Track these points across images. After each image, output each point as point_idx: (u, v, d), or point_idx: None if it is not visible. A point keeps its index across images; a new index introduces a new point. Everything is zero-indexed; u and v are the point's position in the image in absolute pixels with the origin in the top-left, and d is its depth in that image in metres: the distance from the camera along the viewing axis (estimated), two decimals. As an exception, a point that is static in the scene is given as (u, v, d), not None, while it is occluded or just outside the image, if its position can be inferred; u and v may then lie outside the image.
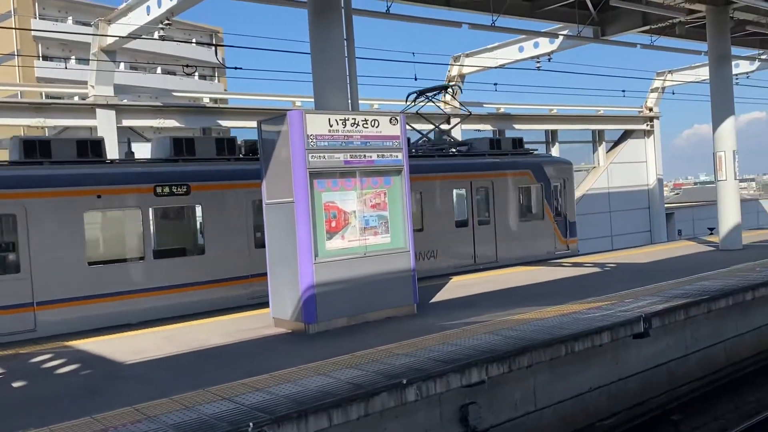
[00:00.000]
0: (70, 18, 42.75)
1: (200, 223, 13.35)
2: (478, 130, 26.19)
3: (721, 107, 16.74)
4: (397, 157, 10.37)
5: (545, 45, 21.56)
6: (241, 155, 13.88)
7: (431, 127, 19.03)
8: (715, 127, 16.77)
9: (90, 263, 11.63)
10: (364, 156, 10.01)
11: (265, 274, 10.44)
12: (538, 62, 21.63)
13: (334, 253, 9.66)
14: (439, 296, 12.14)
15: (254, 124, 10.74)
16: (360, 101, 12.25)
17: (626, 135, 31.52)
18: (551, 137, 28.95)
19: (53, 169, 11.71)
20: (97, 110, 18.26)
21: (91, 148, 12.29)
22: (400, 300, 10.43)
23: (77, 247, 11.47)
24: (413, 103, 18.11)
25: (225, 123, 20.92)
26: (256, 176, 11.03)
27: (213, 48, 23.25)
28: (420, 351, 7.66)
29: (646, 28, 18.76)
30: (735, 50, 21.08)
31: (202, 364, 8.02)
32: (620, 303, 9.94)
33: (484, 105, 26.90)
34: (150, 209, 12.36)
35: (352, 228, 9.90)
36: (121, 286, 11.85)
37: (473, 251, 16.49)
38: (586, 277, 13.56)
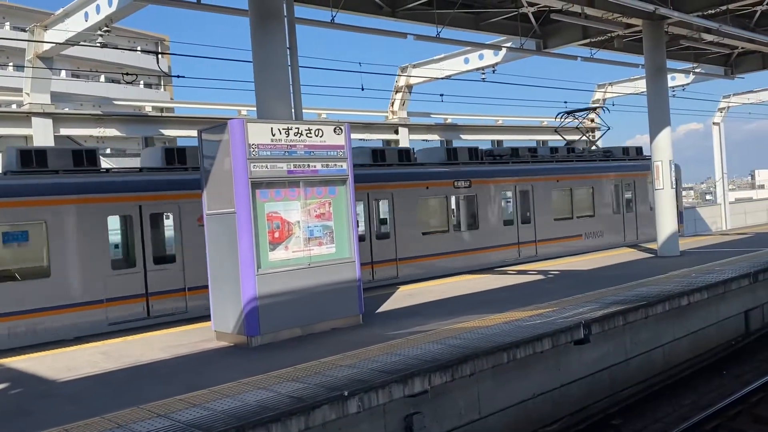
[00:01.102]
0: (8, 23, 41.37)
1: (477, 206, 18.87)
2: (426, 140, 26.42)
3: (658, 118, 17.29)
4: (341, 166, 10.32)
5: (490, 57, 21.90)
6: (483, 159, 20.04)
7: (569, 138, 25.55)
8: (652, 138, 17.30)
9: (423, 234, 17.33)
10: (308, 166, 9.93)
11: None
12: (483, 74, 21.94)
13: (277, 264, 9.53)
14: (386, 306, 12.11)
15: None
16: (307, 110, 12.18)
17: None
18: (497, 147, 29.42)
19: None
20: (33, 118, 17.63)
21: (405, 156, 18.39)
22: (345, 311, 10.36)
23: (414, 220, 17.27)
24: (562, 120, 23.98)
25: (168, 132, 20.50)
26: (512, 174, 19.82)
27: (156, 56, 22.88)
28: (363, 362, 7.60)
29: (586, 41, 19.29)
30: (671, 63, 21.89)
31: (139, 380, 7.77)
32: (561, 310, 10.09)
33: (432, 115, 27.16)
34: (452, 197, 18.30)
35: (296, 238, 9.78)
36: (437, 249, 17.56)
37: (631, 230, 23.22)
38: (529, 285, 13.75)
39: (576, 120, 23.47)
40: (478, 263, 18.16)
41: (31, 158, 12.60)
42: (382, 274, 16.35)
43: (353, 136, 12.86)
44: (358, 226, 12.32)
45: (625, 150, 24.74)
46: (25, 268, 12.32)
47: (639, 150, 24.93)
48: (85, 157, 13.24)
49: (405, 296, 13.16)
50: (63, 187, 12.55)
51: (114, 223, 13.27)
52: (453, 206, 18.69)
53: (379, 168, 17.39)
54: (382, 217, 17.08)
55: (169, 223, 13.93)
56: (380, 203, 16.94)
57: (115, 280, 12.83)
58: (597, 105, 27.06)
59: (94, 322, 12.41)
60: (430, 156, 19.42)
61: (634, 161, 23.96)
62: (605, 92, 31.36)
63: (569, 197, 21.35)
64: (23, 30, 21.21)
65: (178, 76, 16.37)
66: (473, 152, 19.89)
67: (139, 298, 13.04)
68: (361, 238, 15.45)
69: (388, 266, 16.57)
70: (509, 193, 19.84)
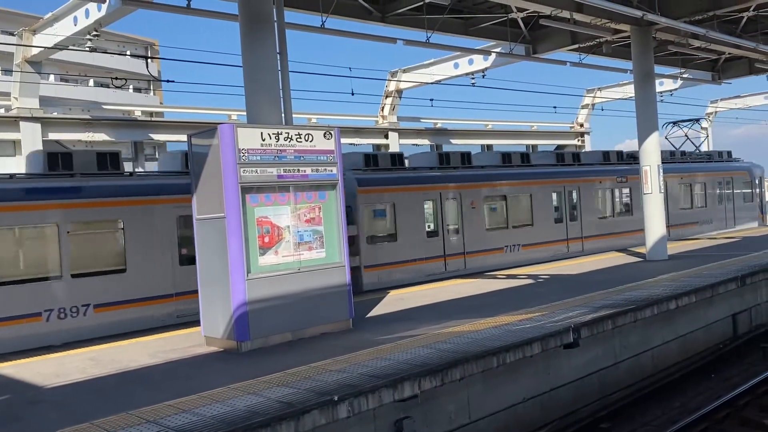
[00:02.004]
0: (-4, 27, 41.07)
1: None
2: (416, 144, 26.48)
3: (646, 123, 17.40)
4: (331, 171, 10.33)
5: (479, 62, 21.99)
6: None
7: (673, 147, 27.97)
8: (640, 143, 17.41)
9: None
10: (298, 170, 9.94)
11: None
12: (473, 78, 22.04)
13: (267, 268, 9.52)
14: (376, 311, 12.11)
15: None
16: (297, 115, 12.20)
17: (559, 149, 32.40)
18: (487, 151, 29.50)
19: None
20: (21, 123, 17.55)
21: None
22: (335, 315, 10.35)
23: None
24: (668, 129, 27.75)
25: (157, 136, 20.45)
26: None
27: (146, 60, 22.83)
28: (353, 367, 7.60)
29: (575, 46, 19.42)
30: (659, 69, 22.06)
31: (128, 386, 7.74)
32: (551, 314, 10.13)
33: (422, 120, 27.23)
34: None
35: (285, 243, 9.78)
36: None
37: (730, 219, 27.55)
38: (519, 289, 13.80)
39: (679, 128, 27.56)
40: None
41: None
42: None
43: (343, 140, 12.87)
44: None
45: (720, 153, 29.72)
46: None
47: (729, 153, 29.81)
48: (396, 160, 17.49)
49: (395, 300, 13.17)
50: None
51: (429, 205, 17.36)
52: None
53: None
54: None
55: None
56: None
57: (428, 243, 17.11)
58: (698, 117, 29.92)
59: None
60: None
61: (729, 162, 29.14)
62: (594, 97, 31.58)
63: (690, 191, 26.26)
64: (11, 34, 21.12)
65: (168, 81, 16.36)
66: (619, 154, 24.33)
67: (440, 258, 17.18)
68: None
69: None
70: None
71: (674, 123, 27.41)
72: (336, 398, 6.42)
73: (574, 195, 21.28)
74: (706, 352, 12.36)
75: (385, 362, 7.71)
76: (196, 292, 10.24)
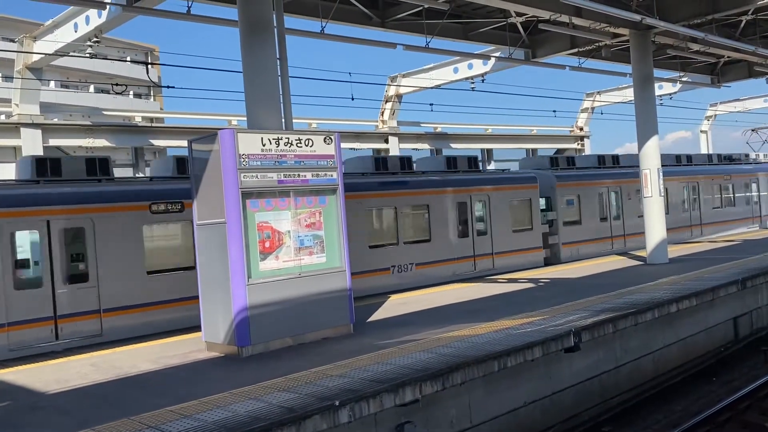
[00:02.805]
0: (-4, 34, 41.16)
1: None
2: (416, 149, 26.50)
3: (646, 127, 17.42)
4: (332, 176, 10.34)
5: (479, 66, 22.03)
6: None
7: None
8: (640, 146, 17.43)
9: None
10: (298, 175, 9.95)
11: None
12: (473, 83, 22.07)
13: (267, 274, 9.53)
14: (376, 315, 12.11)
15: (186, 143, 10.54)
16: (297, 120, 12.21)
17: (559, 153, 32.41)
18: (487, 156, 29.56)
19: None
20: (22, 129, 17.57)
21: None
22: (336, 320, 10.35)
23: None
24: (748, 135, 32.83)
25: (157, 142, 20.47)
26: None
27: (146, 66, 22.87)
28: (354, 371, 7.60)
29: (574, 50, 19.45)
30: (658, 72, 22.10)
31: (129, 391, 7.74)
32: (551, 318, 10.13)
33: (422, 124, 27.26)
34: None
35: (286, 248, 9.79)
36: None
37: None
38: (520, 293, 13.79)
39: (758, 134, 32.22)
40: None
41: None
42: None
43: (343, 145, 12.89)
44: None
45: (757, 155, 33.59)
46: None
47: None
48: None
49: (396, 305, 13.17)
50: None
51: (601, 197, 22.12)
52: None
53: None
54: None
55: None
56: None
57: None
58: None
59: None
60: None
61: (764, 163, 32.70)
62: (594, 101, 31.60)
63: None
64: (12, 41, 21.19)
65: (168, 87, 16.36)
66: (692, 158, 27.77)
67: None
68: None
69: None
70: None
71: (753, 130, 32.99)
72: (337, 403, 6.41)
73: None
74: (707, 356, 12.35)
75: (386, 367, 7.71)
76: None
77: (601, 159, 23.67)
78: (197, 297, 10.14)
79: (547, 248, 20.02)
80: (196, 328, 10.63)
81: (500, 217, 18.63)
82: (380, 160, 17.59)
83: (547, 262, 19.84)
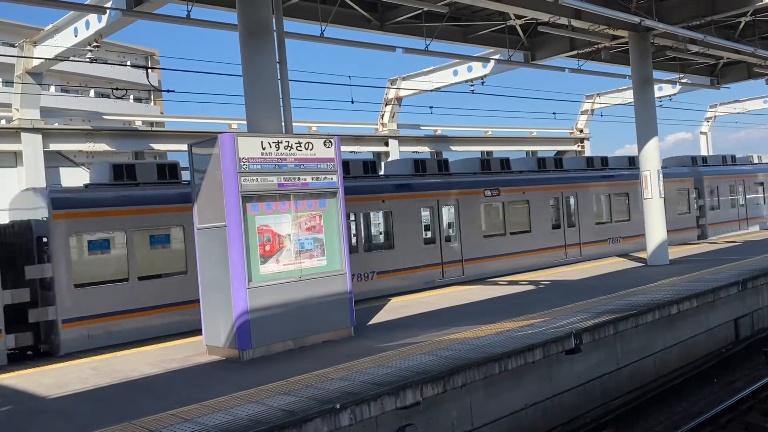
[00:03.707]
0: (-4, 39, 41.21)
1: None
2: (416, 152, 26.51)
3: (645, 128, 17.43)
4: (332, 179, 10.36)
5: (478, 69, 22.04)
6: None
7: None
8: (640, 148, 17.44)
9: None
10: (299, 179, 9.97)
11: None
12: (472, 86, 22.08)
13: (268, 277, 9.54)
14: (377, 318, 12.11)
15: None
16: (298, 124, 12.22)
17: (559, 155, 32.42)
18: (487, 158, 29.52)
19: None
20: (22, 134, 17.59)
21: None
22: (337, 323, 10.36)
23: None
24: None
25: (158, 146, 20.49)
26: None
27: (146, 71, 22.90)
28: (355, 374, 7.60)
29: (574, 52, 19.45)
30: (657, 74, 22.10)
31: (130, 395, 7.74)
32: (552, 320, 10.13)
33: (421, 127, 27.27)
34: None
35: (286, 251, 9.80)
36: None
37: None
38: (521, 295, 13.79)
39: None
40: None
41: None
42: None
43: (342, 148, 12.90)
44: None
45: None
46: None
47: None
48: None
49: (397, 308, 13.17)
50: None
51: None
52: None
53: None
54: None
55: None
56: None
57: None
58: None
59: None
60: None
61: None
62: (593, 103, 31.63)
63: None
64: (12, 45, 21.25)
65: (168, 91, 16.37)
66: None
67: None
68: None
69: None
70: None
71: None
72: (338, 406, 6.42)
73: None
74: (708, 357, 12.34)
75: (387, 369, 7.71)
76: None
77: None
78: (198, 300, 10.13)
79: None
80: (197, 331, 10.64)
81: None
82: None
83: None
